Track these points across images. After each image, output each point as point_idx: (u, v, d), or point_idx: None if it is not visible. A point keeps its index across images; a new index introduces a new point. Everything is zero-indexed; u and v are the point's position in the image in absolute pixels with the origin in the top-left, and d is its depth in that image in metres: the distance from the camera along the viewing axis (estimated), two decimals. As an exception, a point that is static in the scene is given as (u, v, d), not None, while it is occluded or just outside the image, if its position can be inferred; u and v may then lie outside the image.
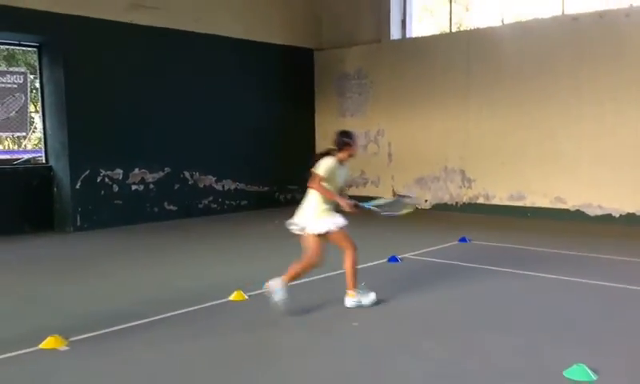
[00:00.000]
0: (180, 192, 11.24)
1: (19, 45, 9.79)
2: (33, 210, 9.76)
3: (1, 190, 9.36)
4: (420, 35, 12.38)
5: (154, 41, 10.58)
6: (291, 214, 5.18)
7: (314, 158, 5.15)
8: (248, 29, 12.17)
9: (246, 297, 5.41)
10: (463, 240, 8.18)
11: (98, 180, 10.05)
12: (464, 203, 11.42)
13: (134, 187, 10.52)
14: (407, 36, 12.54)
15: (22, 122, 9.79)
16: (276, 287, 4.90)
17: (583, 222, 9.73)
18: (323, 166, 4.99)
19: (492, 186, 10.99)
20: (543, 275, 6.21)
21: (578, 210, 9.96)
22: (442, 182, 11.74)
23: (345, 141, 5.12)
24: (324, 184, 4.96)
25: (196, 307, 5.17)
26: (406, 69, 12.11)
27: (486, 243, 8.11)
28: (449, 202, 11.67)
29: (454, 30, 12.01)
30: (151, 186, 10.78)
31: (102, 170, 10.08)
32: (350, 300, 5.13)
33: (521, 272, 6.36)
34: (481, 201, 11.16)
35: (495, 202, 10.95)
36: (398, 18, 12.53)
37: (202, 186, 11.61)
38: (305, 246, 5.00)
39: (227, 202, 12.05)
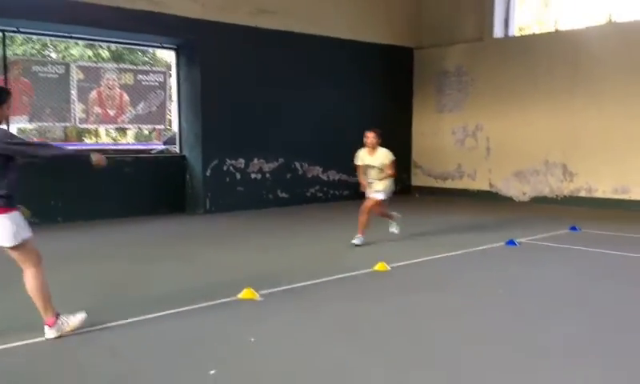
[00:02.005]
0: (291, 181, 12.21)
1: (160, 46, 10.97)
2: (168, 194, 10.98)
3: (143, 176, 10.61)
4: (524, 34, 12.73)
5: (273, 43, 11.55)
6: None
7: None
8: (353, 29, 12.95)
9: (389, 268, 6.18)
10: (574, 229, 8.61)
11: (224, 168, 11.16)
12: (564, 196, 11.72)
13: (253, 176, 11.57)
14: (509, 34, 12.93)
15: (161, 116, 11.05)
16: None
17: (691, 217, 9.86)
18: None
19: (595, 180, 11.25)
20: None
21: (685, 205, 10.10)
22: (541, 175, 12.08)
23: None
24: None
25: (346, 274, 5.99)
26: (508, 66, 12.51)
27: (598, 231, 8.51)
28: (549, 195, 12.00)
29: (551, 27, 12.31)
30: (267, 175, 11.80)
31: (227, 160, 11.18)
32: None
33: (632, 255, 6.81)
34: (582, 194, 11.44)
35: (598, 195, 11.21)
36: (501, 16, 12.92)
37: (309, 175, 12.53)
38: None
39: (331, 191, 12.92)
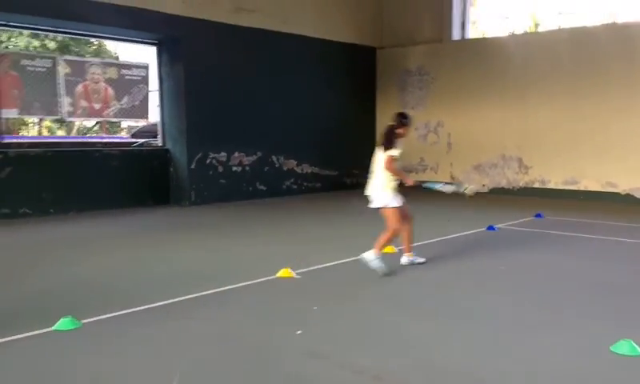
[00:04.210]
0: (268, 174, 12.70)
1: (142, 42, 11.14)
2: (153, 186, 11.20)
3: (129, 168, 10.79)
4: (480, 37, 13.80)
5: (251, 40, 11.98)
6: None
7: (382, 137, 5.85)
8: (321, 28, 13.53)
9: (396, 250, 6.86)
10: (539, 216, 9.64)
11: (208, 162, 11.51)
12: (520, 187, 12.88)
13: (234, 168, 11.98)
14: (466, 37, 13.96)
15: (143, 110, 11.23)
16: (370, 258, 5.72)
17: (633, 205, 11.19)
18: (396, 148, 5.72)
19: (547, 172, 12.45)
20: (614, 239, 7.72)
21: (628, 194, 11.43)
22: (499, 168, 13.19)
23: (403, 121, 5.82)
24: (395, 164, 5.72)
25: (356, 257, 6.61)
26: (466, 67, 13.52)
27: (559, 218, 9.58)
28: (506, 186, 13.13)
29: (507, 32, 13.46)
30: (247, 167, 12.24)
31: (210, 153, 11.53)
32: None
33: (595, 237, 7.88)
34: (537, 185, 12.62)
35: (550, 186, 12.41)
36: (459, 19, 13.94)
37: (285, 168, 13.07)
38: (386, 219, 5.84)
39: (305, 183, 13.51)
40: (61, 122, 26.50)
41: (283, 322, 4.37)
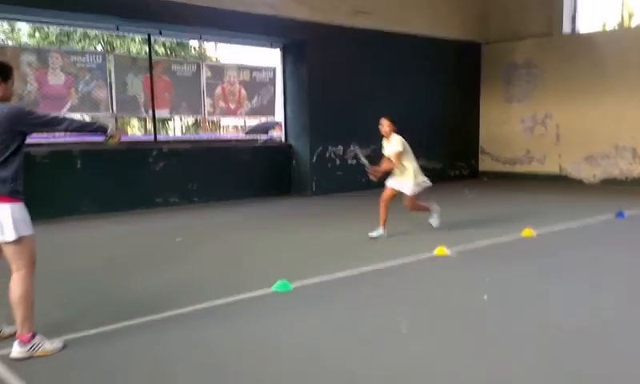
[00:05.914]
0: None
1: (270, 46, 12.07)
2: (277, 178, 12.15)
3: (257, 162, 11.78)
4: (592, 31, 13.75)
5: (367, 41, 12.66)
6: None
7: None
8: (431, 26, 14.00)
9: (535, 234, 7.29)
10: (665, 204, 9.72)
11: (327, 155, 12.32)
12: (634, 178, 12.80)
13: (349, 161, 12.72)
14: (576, 30, 13.96)
15: (270, 109, 12.19)
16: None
17: None
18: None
19: (665, 163, 12.33)
20: None
21: None
22: (612, 158, 13.15)
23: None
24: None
25: (502, 240, 7.09)
26: (577, 60, 13.52)
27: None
28: (618, 177, 13.07)
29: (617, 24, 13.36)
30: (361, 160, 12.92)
31: (329, 147, 12.33)
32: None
33: None
34: (652, 176, 12.53)
35: (668, 176, 12.29)
36: (569, 13, 13.96)
37: (395, 162, 13.64)
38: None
39: (413, 176, 14.02)
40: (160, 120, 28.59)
41: (463, 289, 4.99)
